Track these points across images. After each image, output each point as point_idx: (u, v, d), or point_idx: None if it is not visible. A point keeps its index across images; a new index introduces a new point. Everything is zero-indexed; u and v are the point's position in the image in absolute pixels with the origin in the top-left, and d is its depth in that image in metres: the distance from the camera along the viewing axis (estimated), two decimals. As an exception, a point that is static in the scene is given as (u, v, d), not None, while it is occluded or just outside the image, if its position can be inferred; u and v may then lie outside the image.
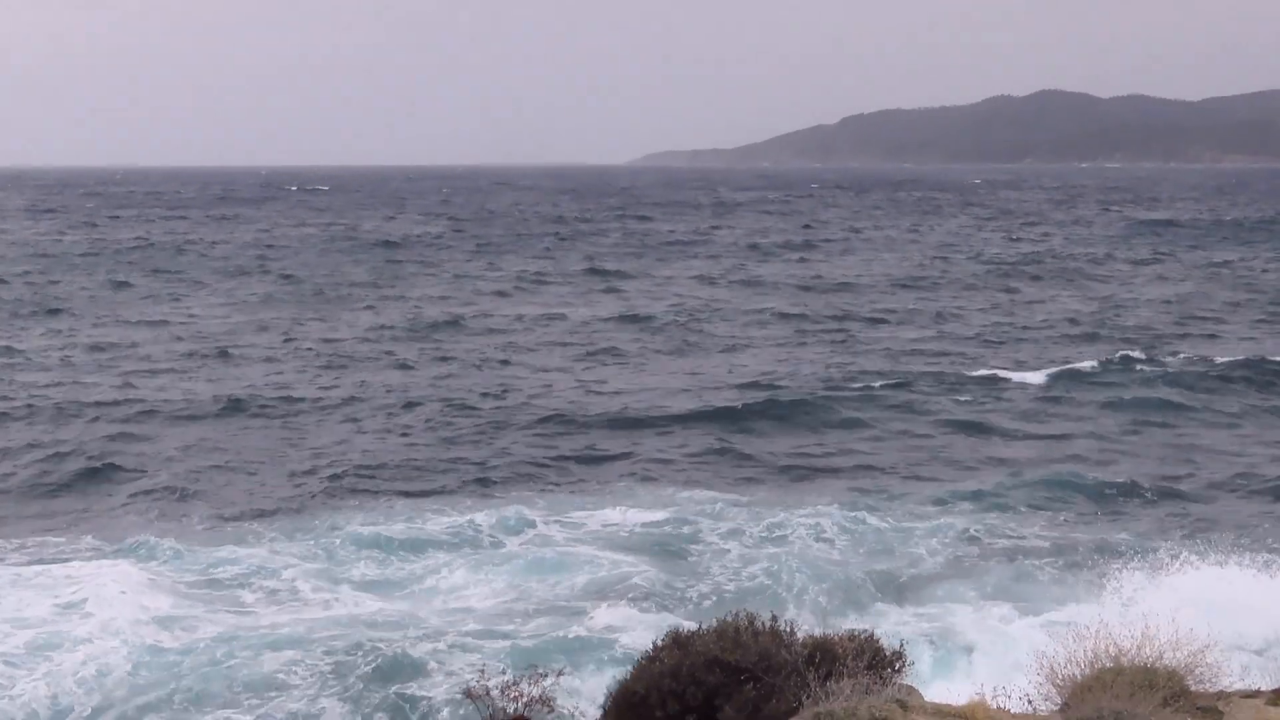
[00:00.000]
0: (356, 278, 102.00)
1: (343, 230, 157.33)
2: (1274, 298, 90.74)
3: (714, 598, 31.26)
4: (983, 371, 61.51)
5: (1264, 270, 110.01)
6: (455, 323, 76.86)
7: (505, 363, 64.37)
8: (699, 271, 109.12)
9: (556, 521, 37.69)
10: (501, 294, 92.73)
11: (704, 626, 17.28)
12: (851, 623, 27.26)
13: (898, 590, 32.63)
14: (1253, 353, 65.14)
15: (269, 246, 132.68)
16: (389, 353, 66.47)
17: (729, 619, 17.13)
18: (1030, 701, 16.36)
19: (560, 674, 17.31)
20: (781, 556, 34.28)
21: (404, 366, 62.81)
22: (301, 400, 54.86)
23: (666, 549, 35.46)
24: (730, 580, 32.86)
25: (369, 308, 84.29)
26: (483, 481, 42.62)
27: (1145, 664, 15.59)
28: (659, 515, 38.18)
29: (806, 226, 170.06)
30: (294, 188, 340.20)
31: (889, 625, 28.33)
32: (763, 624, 16.97)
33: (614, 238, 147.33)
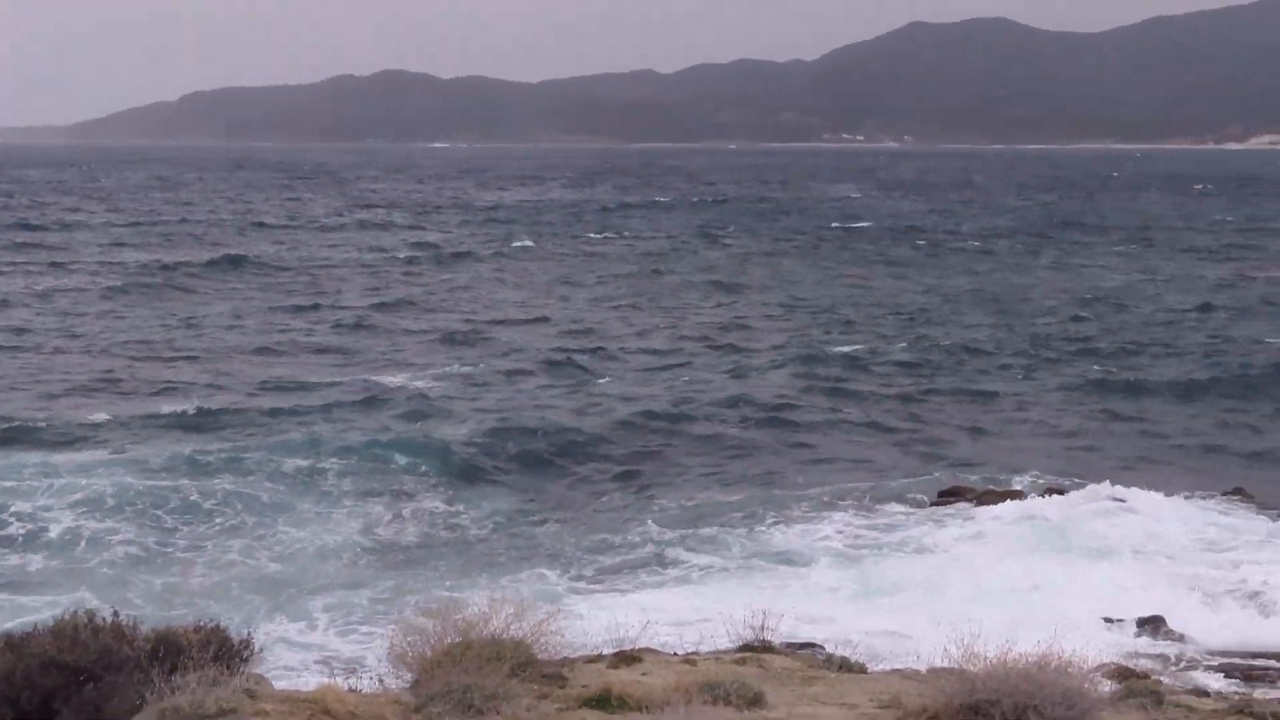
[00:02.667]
0: None
1: None
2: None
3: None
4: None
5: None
6: None
7: None
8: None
9: None
10: None
11: (39, 626, 16.38)
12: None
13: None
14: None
15: None
16: None
17: (66, 617, 16.29)
18: (382, 681, 16.33)
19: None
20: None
21: None
22: None
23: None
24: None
25: None
26: None
27: (493, 636, 15.82)
28: None
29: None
30: None
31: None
32: (103, 620, 16.22)
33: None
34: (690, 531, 37.23)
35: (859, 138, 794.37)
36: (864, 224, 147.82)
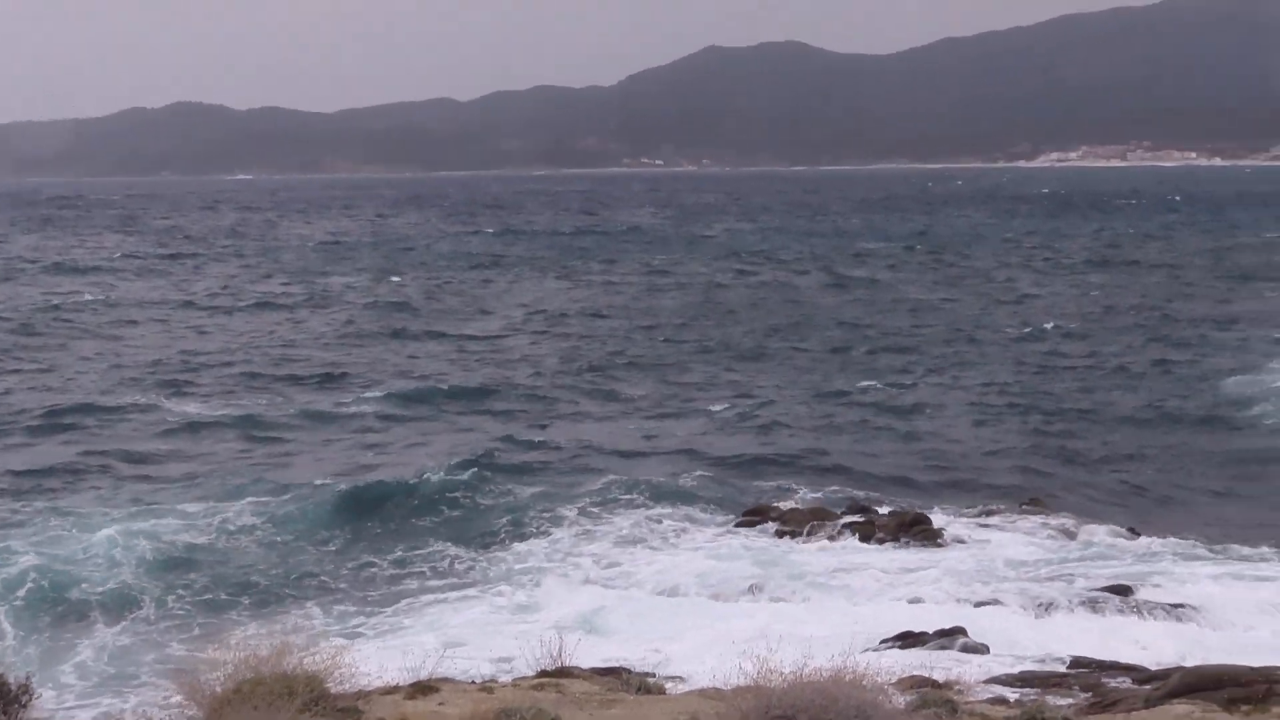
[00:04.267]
0: None
1: None
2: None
3: None
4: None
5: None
6: None
7: None
8: None
9: None
10: None
11: None
12: None
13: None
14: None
15: None
16: None
17: None
18: (169, 720, 15.88)
19: None
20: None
21: None
22: None
23: None
24: None
25: None
26: None
27: (285, 671, 15.45)
28: None
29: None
30: None
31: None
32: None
33: None
34: (490, 564, 37.07)
35: (658, 162, 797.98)
36: (678, 251, 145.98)
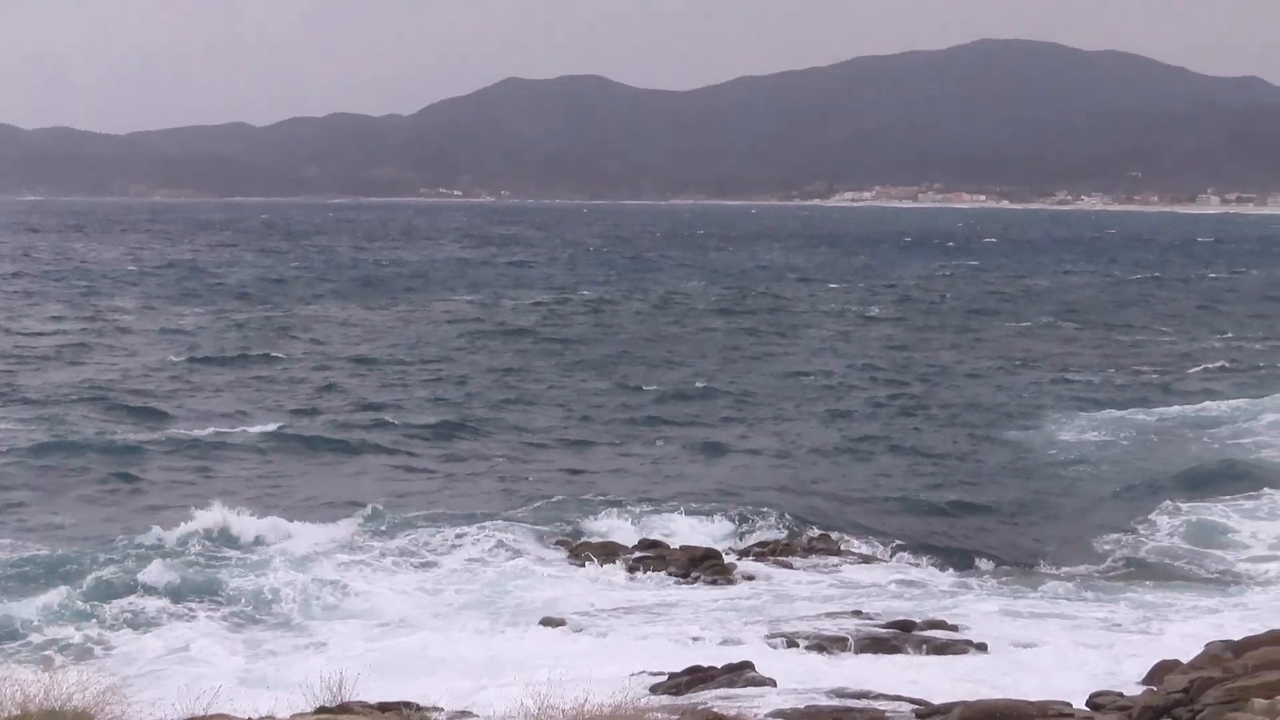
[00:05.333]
0: None
1: None
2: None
3: None
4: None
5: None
6: None
7: None
8: None
9: None
10: None
11: None
12: None
13: None
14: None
15: None
16: None
17: None
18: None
19: None
20: None
21: None
22: None
23: None
24: None
25: None
26: None
27: (54, 707, 14.97)
28: None
29: None
30: None
31: None
32: None
33: None
34: (276, 604, 36.08)
35: (456, 193, 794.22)
36: (492, 283, 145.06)
